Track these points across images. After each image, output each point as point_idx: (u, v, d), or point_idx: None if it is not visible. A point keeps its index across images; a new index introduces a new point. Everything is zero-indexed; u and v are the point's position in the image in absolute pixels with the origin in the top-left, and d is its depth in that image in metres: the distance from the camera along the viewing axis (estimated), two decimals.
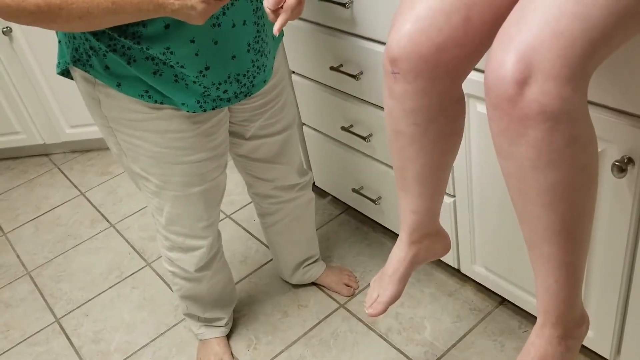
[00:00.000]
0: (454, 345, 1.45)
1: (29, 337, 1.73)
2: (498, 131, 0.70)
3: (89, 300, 1.81)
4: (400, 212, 1.01)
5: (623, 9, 0.65)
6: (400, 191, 0.98)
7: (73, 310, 1.79)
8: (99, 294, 1.82)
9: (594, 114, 0.95)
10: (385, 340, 1.50)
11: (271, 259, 1.80)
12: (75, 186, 2.36)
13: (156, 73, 1.04)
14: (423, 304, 1.56)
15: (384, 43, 1.29)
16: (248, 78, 1.13)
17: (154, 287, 1.81)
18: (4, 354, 1.69)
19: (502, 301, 1.52)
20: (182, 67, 1.03)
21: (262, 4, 1.06)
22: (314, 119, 1.68)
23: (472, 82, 1.11)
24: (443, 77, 0.81)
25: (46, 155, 2.60)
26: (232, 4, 1.01)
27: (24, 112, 2.37)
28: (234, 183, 2.17)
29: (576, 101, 0.66)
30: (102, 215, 2.17)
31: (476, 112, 1.16)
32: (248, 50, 1.09)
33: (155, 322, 1.69)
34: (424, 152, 0.89)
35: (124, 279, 1.86)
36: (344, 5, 1.29)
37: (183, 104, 1.09)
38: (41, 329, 1.74)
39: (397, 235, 1.69)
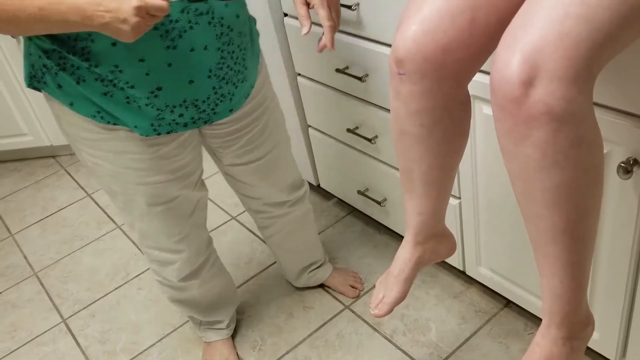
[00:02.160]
0: (459, 347, 1.45)
1: (35, 337, 1.74)
2: (503, 132, 0.70)
3: (95, 301, 1.82)
4: (406, 213, 1.01)
5: (628, 10, 0.65)
6: (406, 192, 0.99)
7: (80, 310, 1.79)
8: (106, 295, 1.83)
9: (600, 115, 0.95)
10: (390, 341, 1.50)
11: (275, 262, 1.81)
12: (82, 188, 2.38)
13: (106, 94, 1.01)
14: (428, 305, 1.56)
15: (389, 45, 1.29)
16: (208, 105, 1.08)
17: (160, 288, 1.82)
18: (11, 354, 1.70)
19: (507, 303, 1.52)
20: (132, 87, 0.99)
21: (227, 29, 1.03)
22: (320, 121, 1.69)
23: (478, 84, 1.11)
24: (449, 78, 0.81)
25: (53, 157, 2.62)
26: (190, 28, 0.97)
27: (31, 114, 2.39)
28: None
29: (581, 102, 0.66)
30: (108, 216, 2.19)
31: (482, 113, 1.16)
32: (209, 77, 1.04)
33: (161, 323, 1.70)
34: (430, 153, 0.90)
35: (130, 280, 1.87)
36: (349, 7, 1.30)
37: (136, 126, 1.05)
38: (48, 329, 1.75)
39: (403, 236, 1.69)
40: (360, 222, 1.88)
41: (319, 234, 1.86)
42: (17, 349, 1.71)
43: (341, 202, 1.97)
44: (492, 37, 0.80)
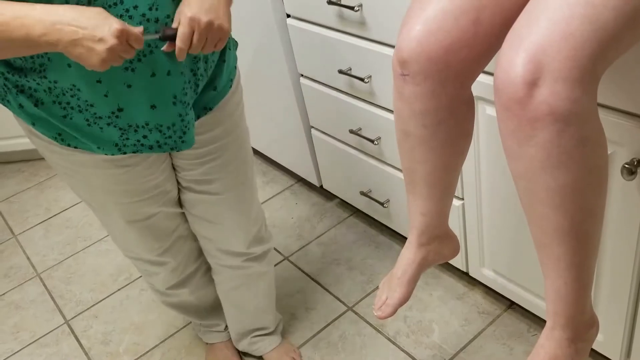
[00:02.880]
0: (462, 349, 1.44)
1: (38, 339, 1.74)
2: (507, 132, 0.70)
3: (98, 302, 1.82)
4: (409, 214, 1.01)
5: (633, 10, 0.65)
6: (409, 193, 0.98)
7: (83, 311, 1.80)
8: (109, 296, 1.83)
9: (604, 116, 0.95)
10: (393, 343, 1.49)
11: (280, 261, 1.81)
12: None
13: (66, 117, 0.95)
14: (431, 307, 1.56)
15: (392, 46, 1.29)
16: (174, 132, 1.00)
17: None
18: (14, 355, 1.70)
19: (511, 304, 1.51)
20: (91, 105, 0.93)
21: (193, 57, 0.98)
22: (323, 122, 1.69)
23: (481, 85, 1.11)
24: (452, 79, 0.81)
25: None
26: (150, 52, 0.90)
27: None
28: None
29: (586, 103, 0.66)
30: None
31: (485, 114, 1.16)
32: (174, 103, 0.97)
33: (164, 324, 1.70)
34: (433, 154, 0.89)
35: (133, 281, 1.87)
36: (352, 8, 1.30)
37: (99, 147, 0.98)
38: (51, 331, 1.75)
39: (406, 238, 1.69)
40: (362, 223, 1.88)
41: (320, 236, 1.86)
42: (20, 350, 1.71)
43: (344, 203, 1.96)
44: (496, 37, 0.80)
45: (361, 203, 1.76)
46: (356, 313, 1.60)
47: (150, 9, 0.86)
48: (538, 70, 0.65)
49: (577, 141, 0.67)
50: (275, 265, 1.80)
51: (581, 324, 0.83)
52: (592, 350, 1.25)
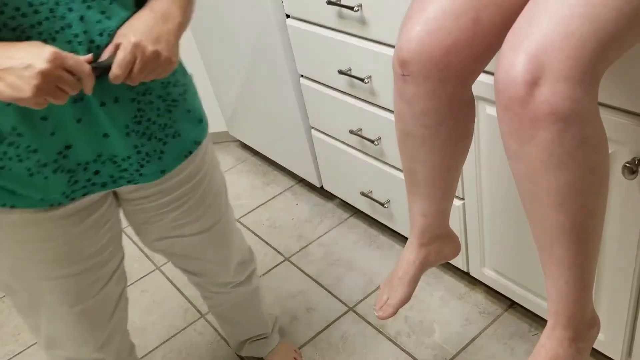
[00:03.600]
0: (463, 349, 1.44)
1: None
2: (508, 132, 0.70)
3: None
4: (410, 214, 1.01)
5: (633, 9, 0.65)
6: (410, 194, 0.98)
7: None
8: None
9: (605, 115, 0.94)
10: (394, 343, 1.49)
11: (281, 262, 1.81)
12: None
13: (3, 168, 0.82)
14: (432, 307, 1.56)
15: (392, 46, 1.29)
16: (131, 164, 0.90)
17: (164, 290, 1.81)
18: (15, 357, 1.70)
19: (512, 304, 1.51)
20: (34, 151, 0.82)
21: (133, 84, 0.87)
22: (323, 122, 1.69)
23: (482, 85, 1.11)
24: (453, 79, 0.81)
25: None
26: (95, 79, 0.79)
27: None
28: (242, 187, 2.18)
29: (587, 102, 0.66)
30: None
31: (486, 114, 1.16)
32: (127, 134, 0.87)
33: (165, 325, 1.70)
34: (434, 154, 0.89)
35: (133, 283, 1.87)
36: (352, 8, 1.30)
37: (42, 199, 0.86)
38: None
39: (406, 238, 1.69)
40: (363, 223, 1.88)
41: (321, 236, 1.86)
42: (22, 351, 1.71)
43: (344, 204, 1.96)
44: (496, 37, 0.80)
45: (362, 203, 1.76)
46: (357, 313, 1.60)
47: (100, 34, 0.78)
48: (539, 70, 0.65)
49: (579, 141, 0.67)
50: (275, 266, 1.80)
51: (582, 324, 0.83)
52: (594, 349, 1.25)
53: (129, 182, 0.92)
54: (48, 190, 0.86)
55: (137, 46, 0.75)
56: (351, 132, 1.55)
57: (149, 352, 1.62)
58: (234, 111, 2.15)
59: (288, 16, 1.58)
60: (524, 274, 1.32)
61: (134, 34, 0.76)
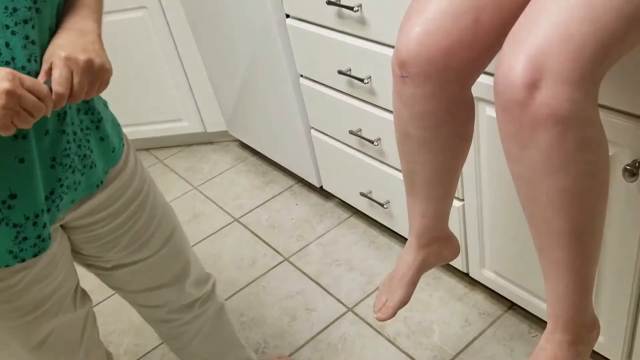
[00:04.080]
0: (462, 350, 1.44)
1: None
2: (508, 135, 0.70)
3: (98, 303, 1.81)
4: (409, 216, 1.01)
5: (633, 11, 0.64)
6: (409, 195, 0.98)
7: None
8: (108, 297, 1.83)
9: (605, 117, 0.94)
10: (393, 344, 1.49)
11: (280, 262, 1.81)
12: None
13: None
14: (432, 308, 1.56)
15: (392, 46, 1.29)
16: (53, 201, 0.83)
17: None
18: None
19: (512, 305, 1.51)
20: None
21: (69, 108, 0.83)
22: (322, 122, 1.68)
23: (482, 86, 1.11)
24: (452, 80, 0.81)
25: None
26: None
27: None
28: (241, 187, 2.18)
29: (587, 105, 0.66)
30: None
31: (485, 115, 1.15)
32: (52, 166, 0.81)
33: None
34: (433, 156, 0.89)
35: None
36: (352, 8, 1.29)
37: None
38: None
39: (406, 239, 1.69)
40: (362, 223, 1.88)
41: (320, 237, 1.86)
42: None
43: (343, 204, 1.96)
44: (496, 38, 0.79)
45: (361, 204, 1.75)
46: (356, 314, 1.59)
47: (29, 60, 0.73)
48: (538, 73, 0.64)
49: (578, 144, 0.66)
50: (275, 266, 1.80)
51: (582, 327, 0.82)
52: (594, 351, 1.25)
53: (51, 223, 0.85)
54: None
55: (68, 59, 0.72)
56: (351, 132, 1.54)
57: (148, 351, 1.62)
58: (233, 110, 2.15)
59: (288, 16, 1.57)
60: (523, 276, 1.32)
61: (62, 50, 0.73)
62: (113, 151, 0.93)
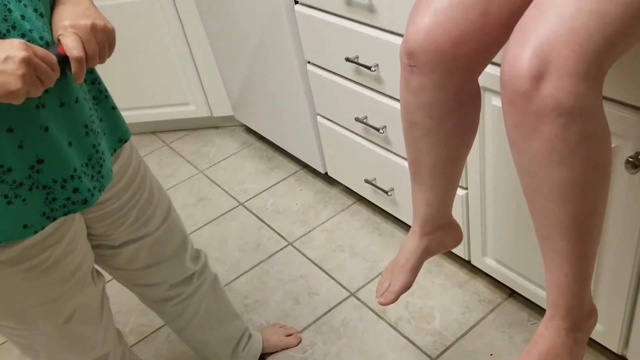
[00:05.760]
0: (462, 336, 1.46)
1: None
2: (512, 126, 0.71)
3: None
4: (413, 203, 1.02)
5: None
6: (414, 183, 0.99)
7: None
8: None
9: (608, 109, 0.95)
10: (394, 329, 1.51)
11: (284, 246, 1.83)
12: None
13: None
14: (433, 294, 1.58)
15: (400, 35, 1.30)
16: (94, 168, 0.89)
17: None
18: None
19: (512, 293, 1.53)
20: (8, 170, 0.79)
21: (88, 76, 0.90)
22: (329, 109, 1.69)
23: (488, 76, 1.12)
24: (459, 70, 0.82)
25: None
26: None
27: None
28: (247, 172, 2.19)
29: (591, 97, 0.67)
30: None
31: (491, 105, 1.16)
32: (87, 134, 0.87)
33: None
34: (439, 145, 0.90)
35: None
36: None
37: (25, 226, 0.83)
38: None
39: (409, 226, 1.71)
40: (366, 210, 1.89)
41: (324, 222, 1.88)
42: None
43: (348, 190, 1.97)
44: (504, 29, 0.80)
45: (365, 190, 1.77)
46: (358, 299, 1.62)
47: (44, 30, 0.78)
48: (544, 65, 0.65)
49: (582, 136, 0.67)
50: (279, 250, 1.82)
51: (580, 315, 0.84)
52: (591, 339, 1.27)
53: (99, 190, 0.91)
54: (28, 214, 0.83)
55: (73, 27, 0.77)
56: (357, 119, 1.55)
57: (154, 331, 1.65)
58: (240, 95, 2.15)
59: (296, 2, 1.58)
60: (524, 264, 1.34)
61: (65, 20, 0.78)
62: (122, 119, 0.99)
